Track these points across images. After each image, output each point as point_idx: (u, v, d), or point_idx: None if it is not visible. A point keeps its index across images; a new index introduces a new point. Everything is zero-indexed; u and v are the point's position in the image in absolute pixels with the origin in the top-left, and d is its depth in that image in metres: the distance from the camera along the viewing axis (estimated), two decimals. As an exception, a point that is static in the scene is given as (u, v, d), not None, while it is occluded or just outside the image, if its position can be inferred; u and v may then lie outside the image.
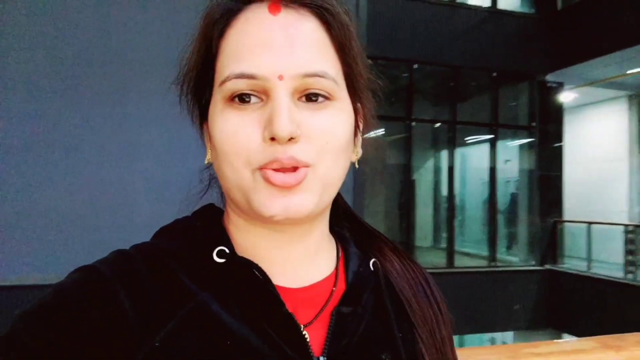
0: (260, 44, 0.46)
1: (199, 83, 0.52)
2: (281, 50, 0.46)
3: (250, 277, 0.48)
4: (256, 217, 0.49)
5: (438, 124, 8.62)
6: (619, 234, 8.09)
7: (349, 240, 0.60)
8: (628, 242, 7.93)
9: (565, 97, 8.70)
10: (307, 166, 0.46)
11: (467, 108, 8.48)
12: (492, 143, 8.47)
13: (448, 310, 0.61)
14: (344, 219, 0.65)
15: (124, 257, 0.49)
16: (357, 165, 0.57)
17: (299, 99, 0.47)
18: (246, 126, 0.46)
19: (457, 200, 8.75)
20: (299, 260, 0.53)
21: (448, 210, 8.43)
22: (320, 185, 0.48)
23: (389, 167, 8.34)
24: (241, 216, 0.52)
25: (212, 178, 0.59)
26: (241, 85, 0.46)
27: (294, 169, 0.46)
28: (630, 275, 7.64)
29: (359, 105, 0.54)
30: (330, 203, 0.53)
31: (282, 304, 0.48)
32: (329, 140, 0.48)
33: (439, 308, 0.60)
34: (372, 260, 0.58)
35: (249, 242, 0.52)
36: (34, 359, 0.41)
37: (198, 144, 0.56)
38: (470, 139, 8.89)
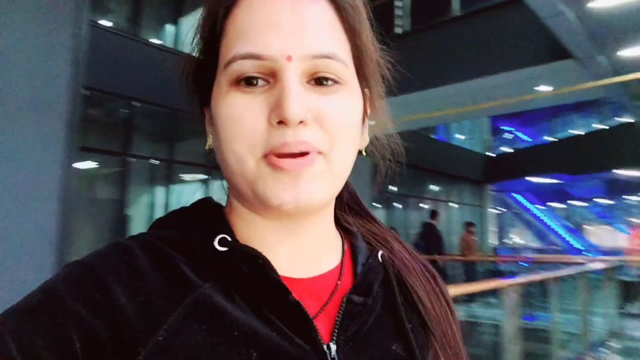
0: (267, 23, 0.44)
1: (201, 65, 0.50)
2: (290, 30, 0.44)
3: (253, 266, 0.46)
4: (261, 206, 0.47)
5: (156, 161, 8.77)
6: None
7: (355, 234, 0.57)
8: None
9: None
10: (319, 152, 0.44)
11: (184, 148, 8.94)
12: (205, 182, 9.12)
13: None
14: (349, 211, 0.61)
15: (119, 248, 0.46)
16: (364, 153, 0.55)
17: (308, 82, 0.45)
18: (252, 110, 0.44)
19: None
20: (304, 252, 0.51)
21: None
22: (331, 174, 0.46)
23: (99, 201, 7.97)
24: (245, 205, 0.50)
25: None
26: (247, 67, 0.44)
27: (304, 154, 0.43)
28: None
29: (366, 90, 0.52)
30: (337, 193, 0.51)
31: (288, 292, 0.45)
32: (340, 126, 0.45)
33: (448, 306, 0.58)
34: (380, 252, 0.56)
35: (253, 232, 0.50)
36: None
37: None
38: (186, 177, 9.34)
